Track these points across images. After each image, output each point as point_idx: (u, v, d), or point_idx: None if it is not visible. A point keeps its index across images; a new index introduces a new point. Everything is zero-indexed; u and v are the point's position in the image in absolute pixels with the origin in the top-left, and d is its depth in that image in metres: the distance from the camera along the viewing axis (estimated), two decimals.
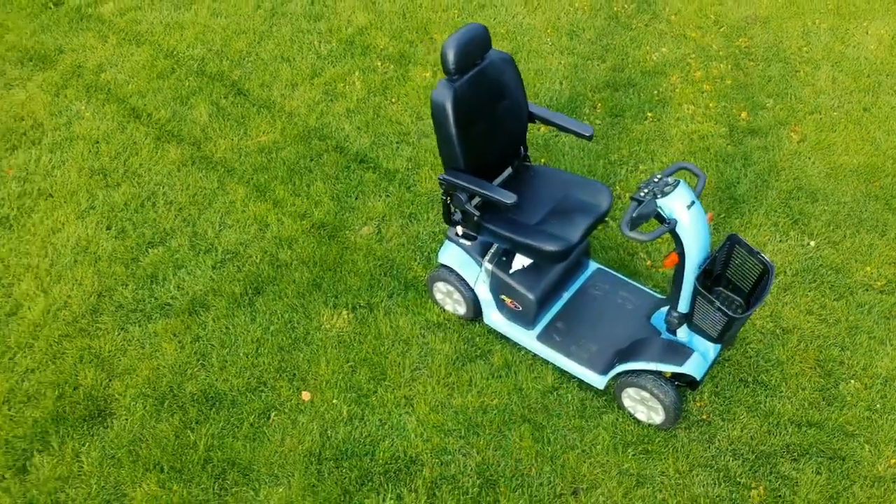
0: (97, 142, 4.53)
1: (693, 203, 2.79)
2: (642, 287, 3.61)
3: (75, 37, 5.31)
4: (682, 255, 2.85)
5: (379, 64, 5.07)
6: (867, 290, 3.73)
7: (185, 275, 3.80)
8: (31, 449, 3.17)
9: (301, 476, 3.06)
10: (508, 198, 3.01)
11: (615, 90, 4.86)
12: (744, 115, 4.69)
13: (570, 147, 4.44)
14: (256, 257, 3.89)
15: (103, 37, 5.31)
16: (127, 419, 3.25)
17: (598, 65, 5.07)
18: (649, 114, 4.68)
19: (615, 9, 5.53)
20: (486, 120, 3.16)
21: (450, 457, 3.12)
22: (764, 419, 3.23)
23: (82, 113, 4.71)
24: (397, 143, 4.52)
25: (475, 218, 3.23)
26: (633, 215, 2.71)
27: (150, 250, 3.92)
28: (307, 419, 3.25)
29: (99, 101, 4.79)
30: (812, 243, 3.93)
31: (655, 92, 4.84)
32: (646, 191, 2.79)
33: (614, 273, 3.68)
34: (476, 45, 3.04)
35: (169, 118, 4.67)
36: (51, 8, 5.57)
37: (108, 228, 4.03)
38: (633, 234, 2.72)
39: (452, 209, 3.31)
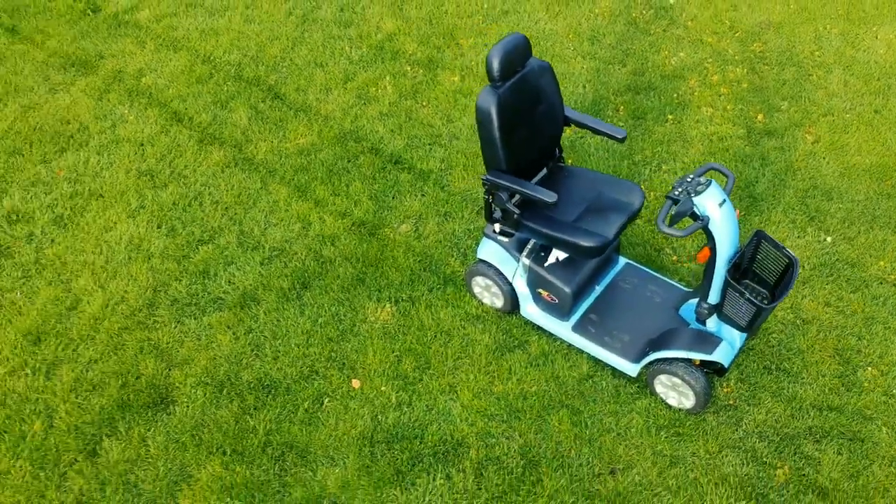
0: (142, 144, 4.73)
1: (724, 201, 3.00)
2: (669, 281, 3.82)
3: (114, 43, 5.52)
4: (713, 249, 3.05)
5: (408, 69, 5.28)
6: (881, 283, 3.94)
7: (235, 270, 4.01)
8: (99, 434, 3.37)
9: (355, 457, 3.27)
10: (550, 196, 3.21)
11: (636, 93, 5.07)
12: (760, 117, 4.90)
13: (596, 148, 4.65)
14: (301, 254, 4.10)
15: (141, 42, 5.52)
16: (188, 406, 3.45)
17: (619, 69, 5.28)
18: (670, 116, 4.89)
19: (634, 15, 5.74)
20: (527, 124, 3.37)
21: (494, 439, 3.33)
22: (787, 404, 3.45)
23: (126, 116, 4.92)
24: (430, 144, 4.72)
25: (515, 216, 3.44)
26: (672, 213, 2.92)
27: (200, 247, 4.13)
28: (358, 405, 3.46)
29: (141, 105, 5.00)
30: (828, 239, 4.14)
31: (675, 95, 5.05)
32: (679, 190, 3.00)
33: (642, 267, 3.89)
34: (518, 54, 3.25)
35: (210, 121, 4.87)
36: (89, 15, 5.77)
37: (159, 227, 4.23)
38: (669, 231, 2.93)
39: (493, 207, 3.52)
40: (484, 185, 3.40)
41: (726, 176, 3.16)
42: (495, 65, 3.16)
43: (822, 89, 5.11)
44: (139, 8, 5.83)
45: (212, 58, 5.36)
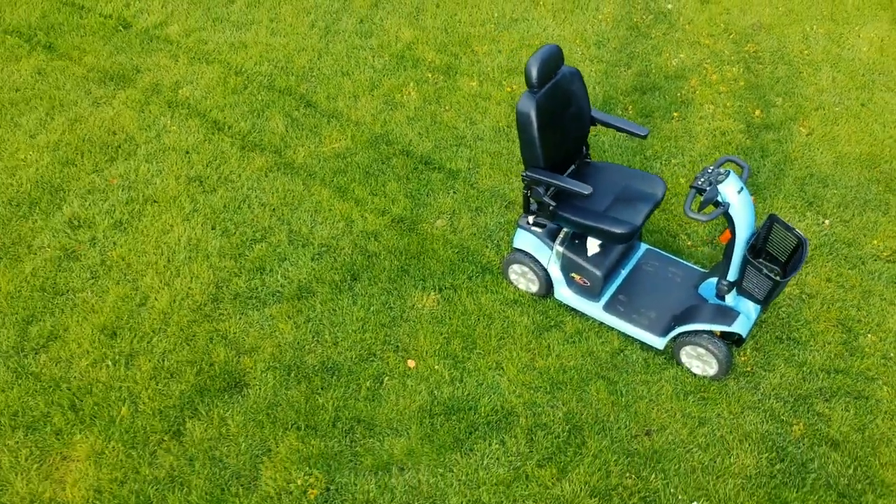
0: (187, 152, 5.07)
1: (742, 189, 3.40)
2: (687, 263, 4.23)
3: (148, 57, 5.85)
4: (733, 232, 3.46)
5: (430, 75, 5.65)
6: (876, 259, 4.37)
7: (289, 266, 4.37)
8: (182, 416, 3.72)
9: (417, 428, 3.64)
10: (585, 189, 3.61)
11: (643, 93, 5.49)
12: (757, 112, 5.33)
13: (610, 145, 5.06)
14: (348, 249, 4.46)
15: (174, 56, 5.85)
16: (261, 388, 3.81)
17: (624, 71, 5.69)
18: (675, 113, 5.31)
19: (635, 20, 6.15)
20: (560, 125, 3.76)
21: (540, 408, 3.72)
22: (798, 368, 3.87)
23: (168, 127, 5.25)
24: (456, 146, 5.11)
25: (551, 208, 3.83)
26: (698, 200, 3.32)
27: (253, 246, 4.48)
28: (415, 382, 3.83)
29: (181, 116, 5.34)
30: (826, 222, 4.57)
31: (678, 94, 5.47)
32: (703, 180, 3.40)
33: (662, 252, 4.30)
34: (553, 62, 3.64)
35: (249, 129, 5.22)
36: (121, 30, 6.09)
37: (213, 228, 4.58)
38: (696, 216, 3.34)
39: (531, 201, 3.90)
40: (524, 181, 3.78)
41: (741, 167, 3.57)
42: (534, 73, 3.55)
43: (813, 85, 5.55)
44: (168, 23, 6.16)
45: (243, 69, 5.70)
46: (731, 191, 3.36)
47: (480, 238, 4.52)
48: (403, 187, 4.82)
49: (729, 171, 3.40)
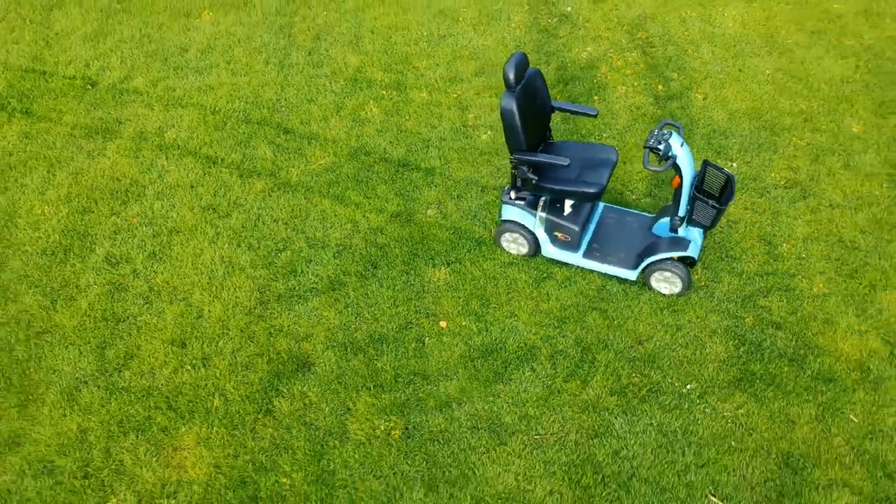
0: (192, 186, 5.74)
1: (682, 143, 4.48)
2: (637, 212, 5.29)
3: (124, 109, 6.43)
4: (681, 177, 4.53)
5: (384, 92, 6.52)
6: (776, 188, 5.58)
7: (316, 265, 5.14)
8: (268, 397, 4.45)
9: (463, 371, 4.52)
10: (564, 161, 4.59)
11: (566, 84, 6.55)
12: (660, 87, 6.50)
13: (554, 128, 6.09)
14: (361, 245, 5.28)
15: (148, 105, 6.46)
16: (326, 364, 4.59)
17: (545, 67, 6.75)
18: (596, 97, 6.40)
19: (543, 24, 7.23)
20: (533, 114, 4.73)
21: (554, 339, 4.67)
22: (739, 277, 4.99)
23: (167, 167, 5.89)
24: (425, 148, 6.00)
25: (534, 181, 4.80)
26: (656, 155, 4.36)
27: (279, 255, 5.22)
28: (450, 338, 4.71)
29: (175, 156, 5.98)
30: (734, 164, 5.75)
31: (594, 81, 6.57)
32: (652, 141, 4.45)
33: (616, 206, 5.35)
34: (522, 66, 4.60)
35: (241, 159, 5.93)
36: (89, 89, 6.63)
37: (238, 246, 5.29)
38: (654, 168, 4.38)
39: (517, 178, 4.85)
40: (512, 162, 4.73)
41: (677, 127, 4.65)
42: (511, 76, 4.50)
43: (698, 59, 6.78)
44: (132, 77, 6.74)
45: (218, 109, 6.38)
46: (676, 145, 4.42)
47: (467, 219, 5.43)
48: (391, 188, 5.66)
49: (671, 131, 4.47)
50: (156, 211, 5.52)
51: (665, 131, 4.45)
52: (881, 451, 4.07)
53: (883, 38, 6.94)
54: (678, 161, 4.43)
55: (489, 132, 6.07)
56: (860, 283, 4.89)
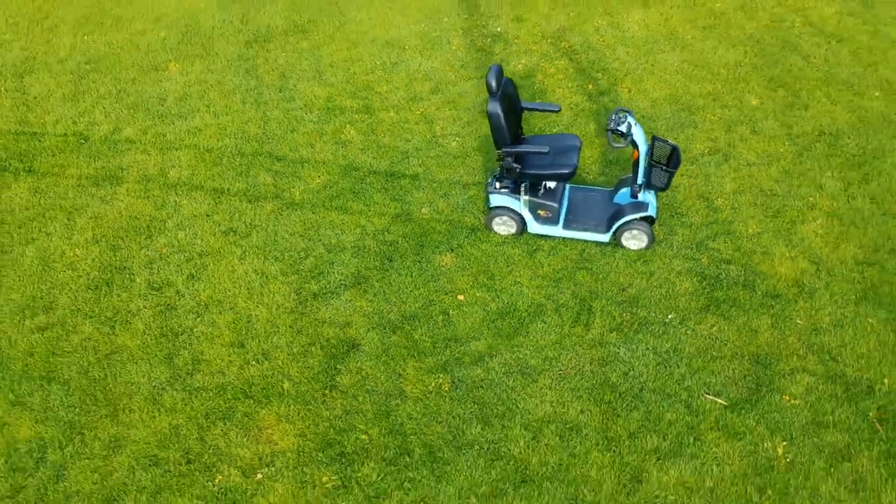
0: (208, 215, 6.44)
1: (636, 123, 5.57)
2: (597, 187, 6.35)
3: (122, 157, 7.05)
4: (639, 151, 5.62)
5: (356, 116, 7.40)
6: (703, 155, 6.77)
7: (339, 266, 5.95)
8: (329, 374, 5.22)
9: (487, 332, 5.43)
10: (544, 149, 5.60)
11: None
12: (590, 86, 7.64)
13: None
14: (373, 244, 6.12)
15: (145, 151, 7.11)
16: (371, 343, 5.40)
17: None
18: (539, 101, 7.48)
19: (479, 44, 8.29)
20: (511, 114, 5.73)
21: (555, 297, 5.65)
22: (688, 228, 6.11)
23: (179, 202, 6.57)
24: (405, 159, 6.90)
25: (517, 170, 5.78)
26: (617, 136, 5.42)
27: (303, 262, 6.00)
28: (470, 308, 5.61)
29: (183, 192, 6.67)
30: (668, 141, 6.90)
31: (535, 88, 7.65)
32: (612, 124, 5.52)
33: (578, 185, 6.40)
34: (500, 75, 5.59)
35: (246, 187, 6.68)
36: (83, 143, 7.21)
37: (265, 259, 6.04)
38: (617, 145, 5.45)
39: (503, 169, 5.83)
40: (499, 156, 5.70)
41: (628, 111, 5.74)
42: (493, 84, 5.49)
43: (616, 60, 7.97)
44: (120, 129, 7.36)
45: (211, 147, 7.10)
46: (632, 125, 5.51)
47: (458, 212, 6.36)
48: (386, 195, 6.54)
49: (626, 115, 5.55)
50: (181, 240, 6.18)
51: (621, 115, 5.53)
52: (825, 342, 5.23)
53: (760, 27, 8.34)
54: (635, 137, 5.51)
55: (457, 139, 7.03)
56: (783, 221, 6.10)
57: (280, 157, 6.93)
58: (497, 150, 5.68)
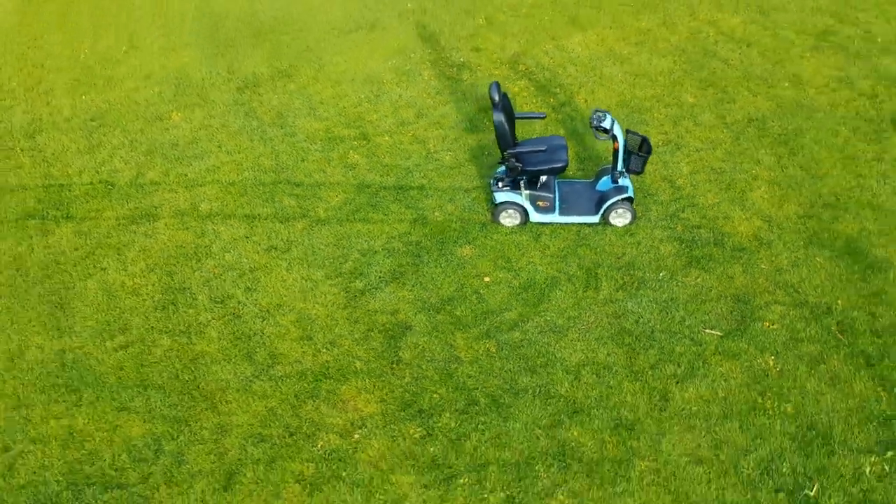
0: (246, 237, 7.28)
1: (615, 120, 6.79)
2: (579, 180, 7.54)
3: (152, 197, 7.82)
4: (618, 142, 6.83)
5: (356, 143, 8.39)
6: (659, 146, 8.04)
7: (375, 266, 6.88)
8: (392, 352, 6.14)
9: (516, 303, 6.46)
10: (543, 145, 6.74)
11: (486, 111, 8.75)
12: (552, 100, 8.87)
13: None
14: (400, 245, 7.08)
15: (172, 190, 7.90)
16: (421, 323, 6.32)
17: (464, 103, 8.91)
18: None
19: (447, 74, 9.43)
20: (510, 122, 6.86)
21: (564, 269, 6.74)
22: (660, 205, 7.33)
23: (217, 229, 7.39)
24: (409, 174, 7.92)
25: (520, 167, 6.90)
26: (604, 131, 6.62)
27: (343, 265, 6.91)
28: (496, 286, 6.63)
29: (218, 221, 7.49)
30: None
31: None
32: (595, 122, 6.72)
33: (564, 180, 7.56)
34: (500, 89, 6.72)
35: (274, 212, 7.55)
36: (111, 189, 7.94)
37: (309, 268, 6.92)
38: (602, 139, 6.65)
39: (507, 168, 6.92)
40: (507, 158, 6.79)
41: (605, 111, 6.95)
42: (496, 97, 6.61)
43: (569, 76, 9.25)
44: (143, 173, 8.13)
45: (232, 181, 7.94)
46: (612, 122, 6.72)
47: (466, 212, 7.41)
48: (400, 205, 7.53)
49: (605, 113, 6.76)
50: (228, 260, 7.00)
51: (600, 115, 6.73)
52: (787, 279, 6.49)
53: (682, 39, 9.79)
54: (615, 131, 6.72)
55: (449, 153, 8.11)
56: (735, 191, 7.40)
57: (297, 182, 7.83)
58: (502, 152, 6.77)
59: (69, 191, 7.85)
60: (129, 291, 6.70)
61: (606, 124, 6.61)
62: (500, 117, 6.55)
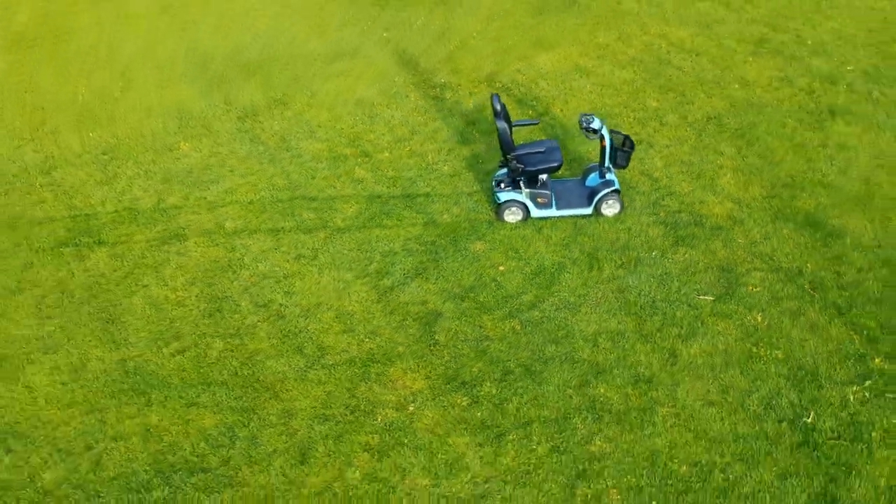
0: (275, 248, 7.94)
1: (602, 121, 7.74)
2: (568, 178, 8.45)
3: (178, 219, 8.41)
4: (605, 141, 7.77)
5: (359, 160, 9.14)
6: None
7: (399, 265, 7.61)
8: (429, 336, 6.86)
9: (530, 286, 7.29)
10: (542, 146, 7.64)
11: (473, 125, 9.60)
12: (531, 112, 9.80)
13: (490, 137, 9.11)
14: (417, 245, 7.85)
15: (195, 212, 8.50)
16: (450, 310, 7.09)
17: (452, 118, 9.76)
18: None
19: (432, 94, 10.29)
20: (510, 128, 7.74)
21: (569, 256, 7.60)
22: (643, 195, 8.29)
23: (246, 244, 8.04)
24: (413, 184, 8.70)
25: (521, 168, 7.77)
26: (593, 132, 7.54)
27: (369, 266, 7.64)
28: (510, 274, 7.44)
29: (245, 236, 8.14)
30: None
31: (488, 120, 9.70)
32: (584, 124, 7.65)
33: (556, 179, 8.47)
34: (500, 100, 7.61)
35: (295, 225, 8.23)
36: (136, 215, 8.51)
37: (339, 270, 7.62)
38: (592, 138, 7.59)
39: (509, 169, 7.78)
40: (508, 159, 7.66)
41: (593, 115, 7.88)
42: (498, 106, 7.49)
43: (542, 90, 10.20)
44: (164, 199, 8.71)
45: (251, 200, 8.60)
46: (599, 123, 7.67)
47: (471, 213, 8.23)
48: (410, 211, 8.30)
49: (592, 116, 7.70)
50: (262, 270, 7.66)
51: (588, 117, 7.66)
52: (761, 250, 7.47)
53: (638, 52, 10.88)
54: (602, 131, 7.65)
55: (447, 164, 8.93)
56: (705, 179, 8.41)
57: (312, 197, 8.53)
58: (506, 155, 7.63)
59: (96, 219, 8.37)
60: (175, 303, 7.28)
61: (595, 125, 7.52)
62: (503, 125, 7.41)
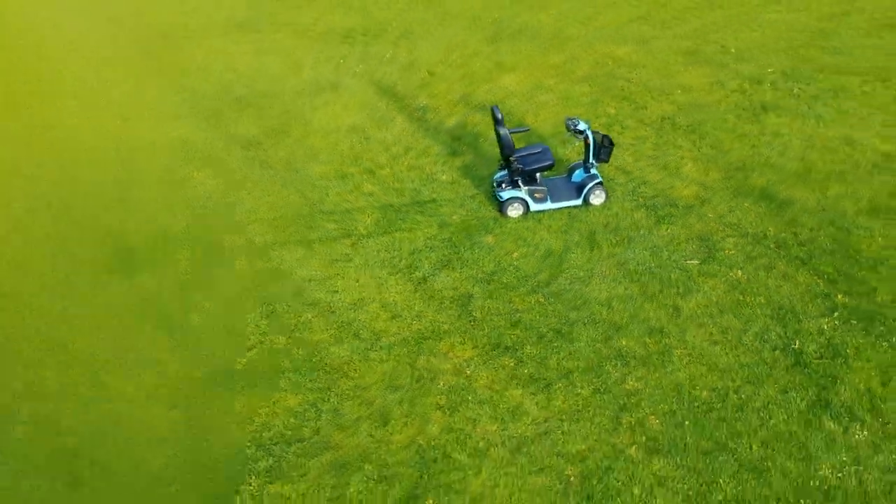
0: (308, 256, 8.87)
1: (587, 123, 9.05)
2: (556, 176, 9.72)
3: (210, 238, 9.24)
4: (590, 139, 9.08)
5: (366, 175, 10.15)
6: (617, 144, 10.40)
7: (426, 260, 8.63)
8: (467, 312, 7.93)
9: (543, 267, 8.45)
10: (540, 147, 8.88)
11: (459, 140, 10.80)
12: (507, 124, 11.06)
13: (483, 141, 10.29)
14: (437, 242, 8.90)
15: (227, 231, 9.35)
16: (485, 292, 8.20)
17: (442, 135, 10.93)
18: (481, 139, 10.74)
19: (415, 116, 11.42)
20: (510, 134, 8.95)
21: (571, 240, 8.82)
22: (622, 185, 9.61)
23: (280, 255, 8.92)
24: (419, 193, 9.78)
25: (521, 169, 8.99)
26: (579, 133, 8.83)
27: (400, 263, 8.64)
28: (523, 259, 8.59)
29: (277, 248, 9.00)
30: (575, 143, 10.46)
31: (472, 135, 10.90)
32: (572, 128, 8.95)
33: (545, 177, 9.72)
34: (500, 110, 8.82)
35: (321, 236, 9.16)
36: (169, 238, 9.28)
37: (373, 269, 8.59)
38: (579, 139, 8.89)
39: (511, 170, 8.97)
40: (512, 161, 8.86)
41: (578, 118, 9.18)
42: (499, 115, 8.71)
43: (512, 106, 11.47)
44: (192, 224, 9.51)
45: (273, 217, 9.47)
46: (584, 125, 8.98)
47: (477, 212, 9.35)
48: (423, 215, 9.37)
49: (577, 119, 9.01)
50: (302, 275, 8.55)
51: (574, 120, 8.96)
52: (729, 220, 8.86)
53: (589, 69, 12.31)
54: (587, 131, 8.96)
55: (446, 174, 10.06)
56: (671, 169, 9.80)
57: (330, 211, 9.50)
58: (507, 158, 8.82)
59: (132, 247, 9.09)
60: (230, 310, 8.10)
61: (581, 126, 8.81)
62: (505, 130, 8.61)
